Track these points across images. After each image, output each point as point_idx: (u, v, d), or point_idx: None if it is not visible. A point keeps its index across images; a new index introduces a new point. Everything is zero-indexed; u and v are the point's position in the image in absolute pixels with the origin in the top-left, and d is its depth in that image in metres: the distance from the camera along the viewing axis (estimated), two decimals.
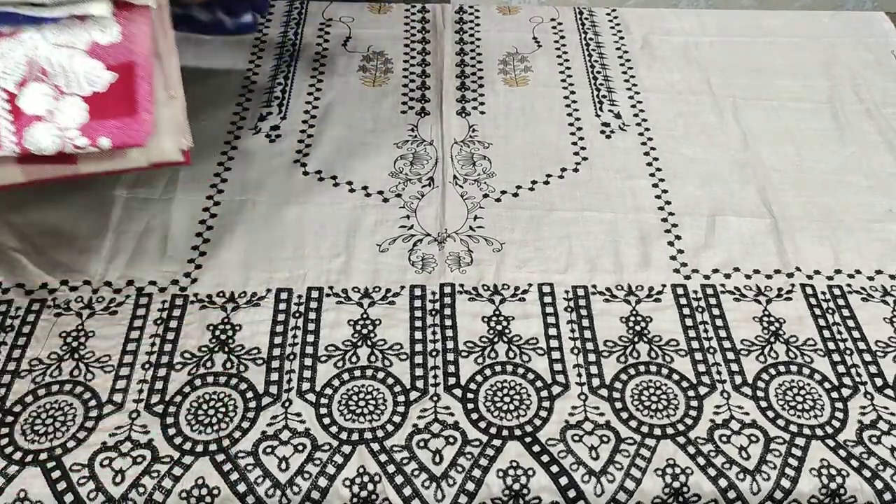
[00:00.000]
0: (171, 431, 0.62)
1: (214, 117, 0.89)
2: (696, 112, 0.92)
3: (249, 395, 0.64)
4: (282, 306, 0.71)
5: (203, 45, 0.98)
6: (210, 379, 0.65)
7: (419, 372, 0.66)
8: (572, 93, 0.94)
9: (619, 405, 0.65)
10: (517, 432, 0.62)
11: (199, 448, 0.61)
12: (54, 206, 0.78)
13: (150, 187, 0.80)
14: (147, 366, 0.66)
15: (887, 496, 0.60)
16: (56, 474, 0.59)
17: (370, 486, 0.59)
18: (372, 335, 0.69)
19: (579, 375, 0.67)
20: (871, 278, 0.75)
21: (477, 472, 0.60)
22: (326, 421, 0.63)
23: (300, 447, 0.61)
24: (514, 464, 0.61)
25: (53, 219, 0.77)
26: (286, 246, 0.75)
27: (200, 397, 0.64)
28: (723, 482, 0.61)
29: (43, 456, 0.60)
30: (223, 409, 0.63)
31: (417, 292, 0.72)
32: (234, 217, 0.78)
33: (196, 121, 0.87)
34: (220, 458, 0.60)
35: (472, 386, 0.65)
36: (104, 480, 0.59)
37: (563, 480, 0.60)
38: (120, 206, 0.78)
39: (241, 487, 0.59)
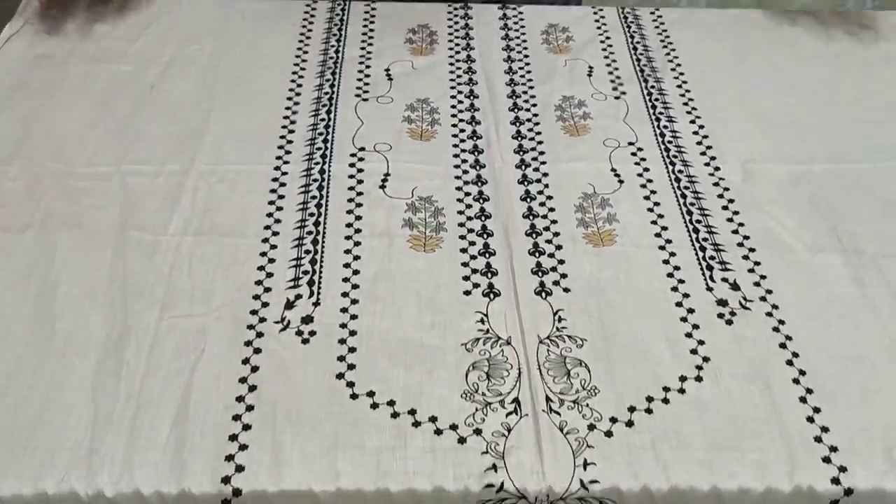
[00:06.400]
0: None
1: (230, 302, 0.70)
2: (830, 280, 0.74)
3: None
4: None
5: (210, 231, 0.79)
6: None
7: None
8: (672, 254, 0.76)
9: None
10: None
11: None
12: (24, 462, 0.59)
13: (152, 429, 0.61)
14: None
15: None
16: None
17: None
18: None
19: None
20: None
21: None
22: None
23: None
24: None
25: (24, 481, 0.58)
26: None
27: None
28: None
29: None
30: None
31: None
32: (268, 472, 0.59)
33: (208, 309, 0.69)
34: None
35: None
36: None
37: None
38: (112, 462, 0.59)
39: None
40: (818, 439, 0.62)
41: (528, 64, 0.97)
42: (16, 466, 0.58)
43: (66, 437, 0.60)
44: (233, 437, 0.61)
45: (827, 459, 0.60)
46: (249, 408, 0.63)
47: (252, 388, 0.64)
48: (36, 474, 0.58)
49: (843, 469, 0.60)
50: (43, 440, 0.60)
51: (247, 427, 0.61)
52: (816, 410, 0.64)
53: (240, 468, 0.59)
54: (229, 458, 0.59)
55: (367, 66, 0.95)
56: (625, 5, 1.07)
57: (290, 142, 0.85)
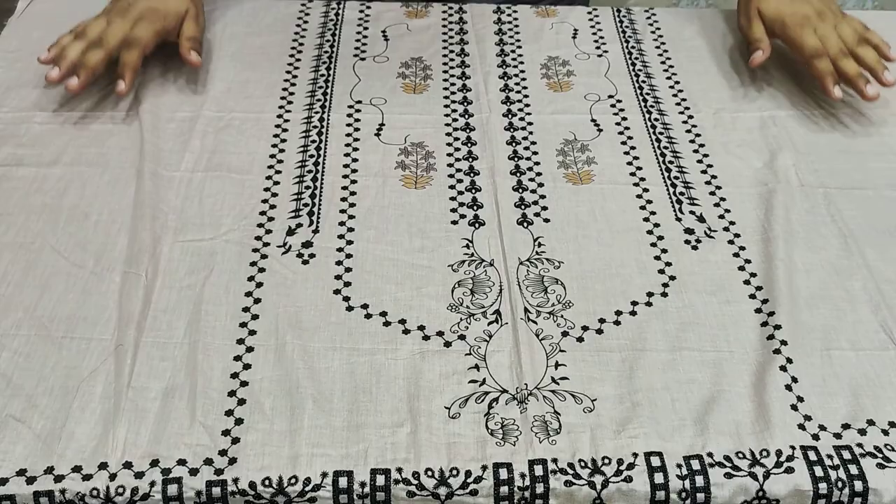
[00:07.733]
0: None
1: (237, 228, 0.76)
2: (787, 207, 0.80)
3: None
4: (343, 499, 0.58)
5: (217, 136, 0.85)
6: None
7: None
8: (645, 190, 0.82)
9: None
10: None
11: None
12: (60, 356, 0.66)
13: (169, 330, 0.67)
14: None
15: None
16: None
17: None
18: None
19: None
20: None
21: None
22: None
23: None
24: None
25: (58, 372, 0.64)
26: (338, 411, 0.63)
27: None
28: None
29: None
30: None
31: (503, 474, 0.60)
32: (272, 368, 0.65)
33: (216, 234, 0.75)
34: None
35: None
36: None
37: None
38: (134, 355, 0.65)
39: None
40: (770, 336, 0.68)
41: (517, 26, 1.03)
42: (54, 354, 0.65)
43: (97, 333, 0.67)
44: (240, 341, 0.67)
45: (777, 351, 0.67)
46: (255, 316, 0.69)
47: (257, 301, 0.70)
48: (70, 361, 0.65)
49: (790, 360, 0.67)
50: (77, 335, 0.67)
51: (252, 332, 0.68)
52: (770, 314, 0.70)
53: (247, 366, 0.65)
54: (237, 357, 0.66)
55: (366, 28, 1.02)
56: (623, 6, 1.12)
57: (291, 93, 0.92)
